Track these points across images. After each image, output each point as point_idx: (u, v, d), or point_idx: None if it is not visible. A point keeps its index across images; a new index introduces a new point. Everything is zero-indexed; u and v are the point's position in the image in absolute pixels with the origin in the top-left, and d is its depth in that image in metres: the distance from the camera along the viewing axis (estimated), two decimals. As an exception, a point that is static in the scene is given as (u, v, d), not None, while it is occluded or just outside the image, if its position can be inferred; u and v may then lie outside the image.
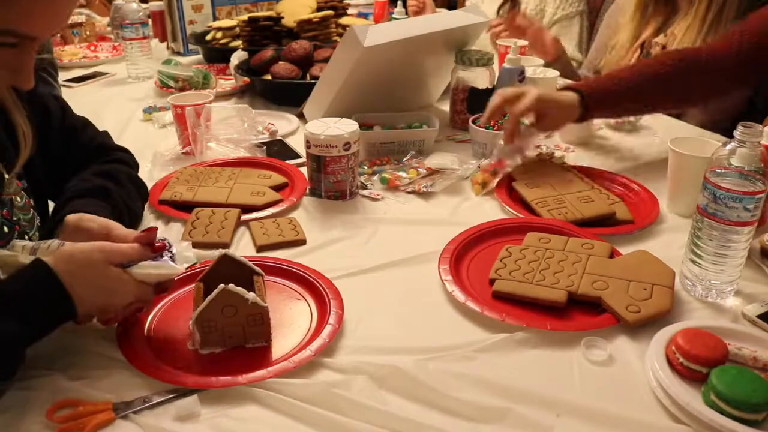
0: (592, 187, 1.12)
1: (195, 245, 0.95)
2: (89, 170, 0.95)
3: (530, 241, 0.94)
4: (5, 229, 0.79)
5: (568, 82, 1.63)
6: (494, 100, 1.19)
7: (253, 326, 0.75)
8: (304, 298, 0.85)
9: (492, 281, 0.86)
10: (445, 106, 1.51)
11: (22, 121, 0.79)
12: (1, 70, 0.68)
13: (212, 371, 0.72)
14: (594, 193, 1.10)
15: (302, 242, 0.98)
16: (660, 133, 1.43)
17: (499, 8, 2.25)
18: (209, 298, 0.72)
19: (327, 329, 0.77)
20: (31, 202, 0.85)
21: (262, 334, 0.76)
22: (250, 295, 0.74)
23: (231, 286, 0.72)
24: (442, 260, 0.90)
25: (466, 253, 0.94)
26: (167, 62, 1.82)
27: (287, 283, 0.88)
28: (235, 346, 0.76)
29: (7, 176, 0.81)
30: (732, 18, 1.53)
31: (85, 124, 1.02)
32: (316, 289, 0.85)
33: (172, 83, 1.69)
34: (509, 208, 1.07)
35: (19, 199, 0.83)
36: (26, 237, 0.83)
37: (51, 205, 0.96)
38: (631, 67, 1.24)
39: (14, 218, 0.81)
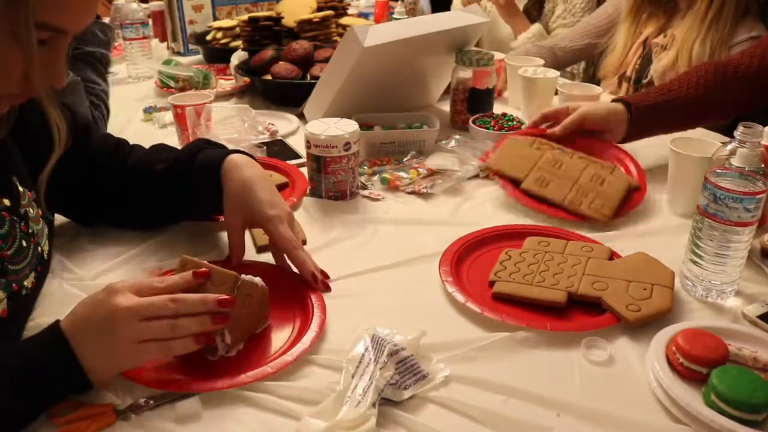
0: (589, 162, 1.12)
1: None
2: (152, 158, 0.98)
3: (530, 244, 0.94)
4: (23, 243, 0.78)
5: (569, 82, 1.64)
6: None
7: (262, 309, 0.77)
8: (287, 300, 0.84)
9: (492, 283, 0.86)
10: (445, 106, 1.51)
11: (56, 117, 0.77)
12: (37, 67, 0.66)
13: (212, 372, 0.72)
14: (597, 167, 1.11)
15: (302, 242, 0.98)
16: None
17: None
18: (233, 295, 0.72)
19: (312, 332, 0.77)
20: (40, 212, 0.84)
21: (267, 314, 0.78)
22: (257, 279, 0.75)
23: (243, 276, 0.73)
24: (443, 262, 0.90)
25: (466, 256, 0.94)
26: (167, 62, 1.82)
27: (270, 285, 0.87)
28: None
29: (21, 189, 0.80)
30: (732, 18, 1.53)
31: (91, 124, 1.02)
32: (297, 290, 0.85)
33: (172, 83, 1.69)
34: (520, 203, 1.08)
35: (31, 210, 0.82)
36: (39, 248, 0.82)
37: (57, 216, 0.97)
38: (676, 81, 1.22)
39: (30, 231, 0.81)
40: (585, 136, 1.20)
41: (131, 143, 1.04)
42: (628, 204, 1.06)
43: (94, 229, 1.00)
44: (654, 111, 1.17)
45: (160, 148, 1.02)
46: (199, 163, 0.93)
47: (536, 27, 2.10)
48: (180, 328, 0.67)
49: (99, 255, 0.94)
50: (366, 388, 0.65)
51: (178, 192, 0.94)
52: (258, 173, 0.91)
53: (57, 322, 0.67)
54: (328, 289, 0.86)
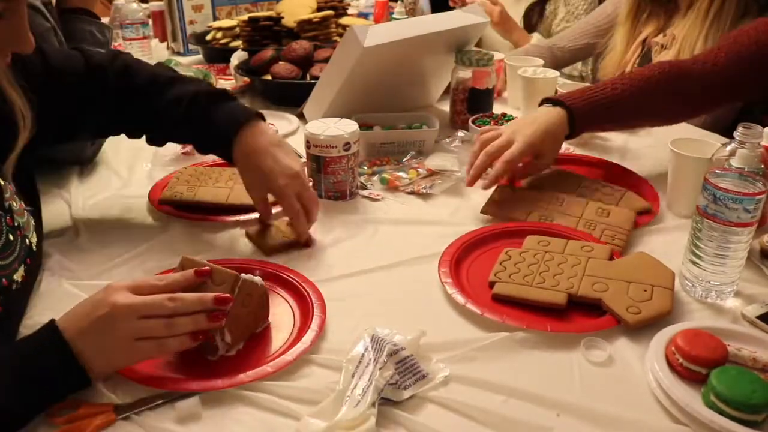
0: (597, 189, 1.11)
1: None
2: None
3: (529, 244, 0.94)
4: (11, 237, 0.78)
5: (568, 82, 1.64)
6: (475, 154, 1.08)
7: (261, 309, 0.77)
8: (286, 301, 0.85)
9: (492, 284, 0.86)
10: (445, 106, 1.51)
11: (20, 101, 0.77)
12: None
13: (212, 371, 0.71)
14: (603, 196, 1.08)
15: (309, 243, 0.97)
16: (660, 133, 1.43)
17: None
18: (234, 294, 0.72)
19: (311, 332, 0.77)
20: (23, 204, 0.84)
21: (266, 314, 0.79)
22: (258, 279, 0.75)
23: (244, 275, 0.73)
24: (442, 263, 0.90)
25: (465, 256, 0.94)
26: (167, 62, 1.82)
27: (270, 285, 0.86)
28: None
29: (2, 182, 0.80)
30: (732, 17, 1.53)
31: (69, 55, 0.98)
32: (297, 290, 0.85)
33: None
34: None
35: (14, 203, 0.82)
36: (27, 241, 0.82)
37: (57, 215, 0.97)
38: (617, 80, 1.13)
39: (15, 224, 0.80)
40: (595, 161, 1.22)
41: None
42: (638, 220, 1.03)
43: (94, 228, 1.00)
44: (594, 113, 1.10)
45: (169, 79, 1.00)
46: (214, 130, 0.96)
47: (535, 37, 2.10)
48: (176, 327, 0.68)
49: (99, 255, 0.94)
50: (365, 388, 0.65)
51: (187, 135, 1.01)
52: (266, 142, 0.95)
53: (53, 321, 0.67)
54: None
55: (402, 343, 0.71)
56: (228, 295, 0.71)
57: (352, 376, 0.68)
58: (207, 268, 0.72)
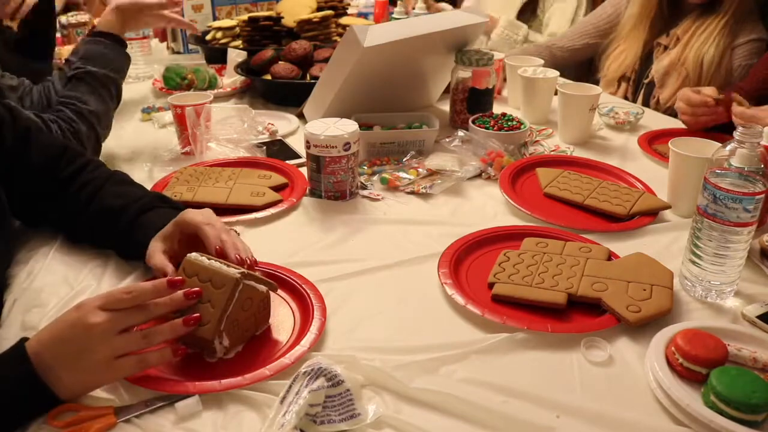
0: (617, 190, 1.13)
1: None
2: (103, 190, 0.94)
3: (528, 245, 0.94)
4: None
5: (569, 82, 1.63)
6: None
7: (262, 311, 0.77)
8: (287, 302, 0.84)
9: (491, 285, 0.86)
10: (445, 106, 1.51)
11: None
12: None
13: (212, 373, 0.71)
14: (623, 194, 1.11)
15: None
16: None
17: None
18: (233, 298, 0.71)
19: (315, 324, 0.77)
20: None
21: (267, 317, 0.79)
22: (261, 287, 0.75)
23: (246, 281, 0.73)
24: (442, 264, 0.90)
25: (464, 258, 0.93)
26: (172, 69, 1.80)
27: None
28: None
29: None
30: (737, 19, 1.54)
31: (39, 127, 1.00)
32: (298, 291, 0.85)
33: (178, 80, 1.68)
34: (512, 201, 1.09)
35: None
36: None
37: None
38: None
39: None
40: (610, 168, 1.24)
41: (89, 157, 1.01)
42: (639, 220, 1.04)
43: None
44: None
45: (118, 182, 0.98)
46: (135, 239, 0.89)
47: (504, 19, 2.12)
48: (154, 336, 0.68)
49: (98, 254, 0.94)
50: (290, 413, 0.63)
51: (107, 240, 0.94)
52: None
53: (22, 342, 0.65)
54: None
55: (343, 375, 0.66)
56: (197, 289, 0.70)
57: (281, 402, 0.65)
58: (180, 278, 0.71)
